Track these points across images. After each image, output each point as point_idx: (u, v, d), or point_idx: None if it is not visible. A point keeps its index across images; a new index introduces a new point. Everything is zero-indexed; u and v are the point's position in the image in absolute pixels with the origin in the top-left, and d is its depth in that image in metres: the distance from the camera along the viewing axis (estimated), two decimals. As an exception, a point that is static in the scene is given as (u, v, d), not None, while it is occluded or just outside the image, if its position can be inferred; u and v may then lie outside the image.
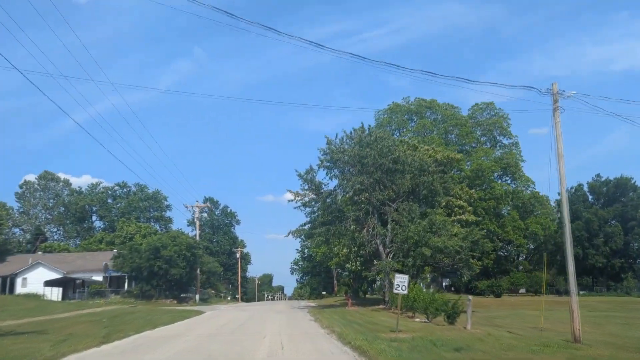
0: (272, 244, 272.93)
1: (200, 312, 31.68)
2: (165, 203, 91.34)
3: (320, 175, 36.45)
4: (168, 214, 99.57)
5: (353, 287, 55.29)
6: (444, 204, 38.69)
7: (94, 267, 55.26)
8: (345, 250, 42.18)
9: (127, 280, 52.45)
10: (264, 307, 41.75)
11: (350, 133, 35.12)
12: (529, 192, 73.29)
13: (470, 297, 17.92)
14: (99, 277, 54.06)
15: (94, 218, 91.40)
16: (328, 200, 35.30)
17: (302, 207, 36.57)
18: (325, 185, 36.16)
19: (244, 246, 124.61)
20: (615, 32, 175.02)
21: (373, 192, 32.37)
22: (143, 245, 47.46)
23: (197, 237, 52.40)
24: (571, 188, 71.91)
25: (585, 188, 71.23)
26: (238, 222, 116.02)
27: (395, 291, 16.77)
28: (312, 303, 47.18)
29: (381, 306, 34.11)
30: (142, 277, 46.80)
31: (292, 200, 36.35)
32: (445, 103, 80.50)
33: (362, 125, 34.63)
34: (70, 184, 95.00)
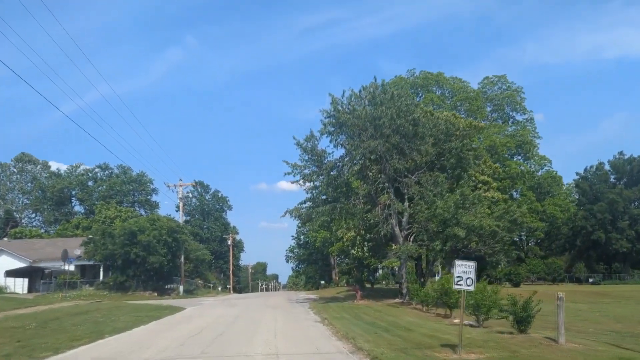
0: (266, 233, 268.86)
1: (177, 309, 25.74)
2: (151, 186, 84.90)
3: (324, 144, 30.45)
4: (154, 198, 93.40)
5: (356, 276, 49.60)
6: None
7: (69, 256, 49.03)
8: (351, 233, 36.29)
9: (102, 270, 46.30)
10: (257, 300, 35.94)
11: (360, 92, 28.88)
12: (544, 171, 67.68)
13: (561, 293, 12.08)
14: (71, 267, 47.87)
15: (74, 203, 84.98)
16: (333, 172, 29.23)
17: (301, 183, 30.49)
18: (329, 155, 30.07)
19: (236, 233, 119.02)
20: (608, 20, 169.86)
21: (389, 160, 26.33)
22: (117, 229, 41.25)
23: (181, 220, 46.51)
24: (591, 167, 66.29)
25: (607, 167, 65.53)
26: (230, 208, 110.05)
27: (456, 287, 10.81)
28: (311, 295, 41.44)
29: (398, 300, 28.32)
30: (117, 266, 40.70)
31: (289, 174, 30.28)
32: (453, 77, 74.17)
33: (375, 80, 28.39)
34: (49, 167, 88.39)
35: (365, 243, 36.66)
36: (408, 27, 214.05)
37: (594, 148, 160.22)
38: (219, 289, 70.51)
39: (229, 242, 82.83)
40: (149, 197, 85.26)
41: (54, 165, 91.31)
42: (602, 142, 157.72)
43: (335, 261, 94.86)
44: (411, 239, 27.15)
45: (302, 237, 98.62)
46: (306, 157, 30.38)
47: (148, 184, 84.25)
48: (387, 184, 27.40)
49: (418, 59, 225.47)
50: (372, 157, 27.59)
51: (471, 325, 16.21)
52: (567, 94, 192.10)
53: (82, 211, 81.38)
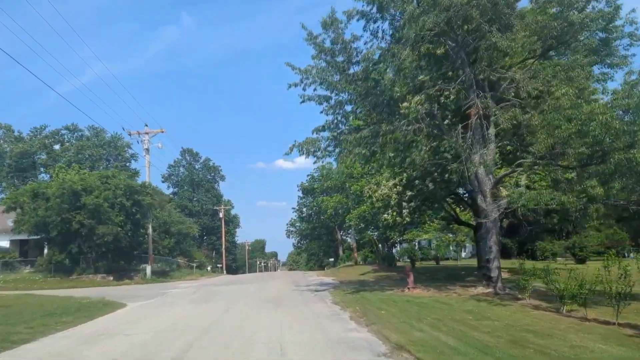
0: (265, 211, 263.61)
1: (101, 309, 14.45)
2: (130, 151, 72.93)
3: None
4: (134, 165, 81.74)
5: (384, 253, 38.32)
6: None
7: (1, 229, 37.61)
8: (386, 188, 24.79)
9: (46, 246, 34.83)
10: (250, 287, 24.69)
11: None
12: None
13: None
14: (4, 242, 36.53)
15: (40, 170, 73.14)
16: (373, 76, 17.36)
17: (313, 99, 18.63)
18: (357, 52, 18.11)
19: (230, 207, 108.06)
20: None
21: (483, 38, 14.42)
22: (53, 188, 29.60)
23: (147, 179, 35.04)
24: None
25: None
26: (222, 178, 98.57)
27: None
28: (326, 277, 30.08)
29: (482, 289, 16.89)
30: (54, 240, 29.28)
31: (295, 86, 18.36)
32: None
33: None
34: (12, 130, 76.23)
35: (405, 203, 25.20)
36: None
37: None
38: (208, 268, 59.39)
39: (221, 214, 71.41)
40: (126, 163, 73.33)
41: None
42: None
43: (341, 236, 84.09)
44: (517, 183, 15.63)
45: (304, 209, 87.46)
46: (324, 61, 18.54)
47: (126, 148, 72.30)
48: (470, 82, 15.44)
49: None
50: (451, 39, 15.68)
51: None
52: None
53: (47, 179, 69.68)
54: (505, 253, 55.37)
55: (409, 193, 25.11)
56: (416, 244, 47.83)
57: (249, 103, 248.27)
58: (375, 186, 26.29)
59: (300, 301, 16.54)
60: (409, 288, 18.31)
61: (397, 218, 25.37)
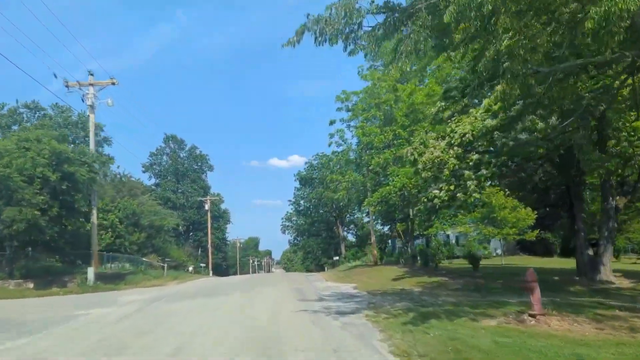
0: (259, 210, 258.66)
1: None
2: (102, 134, 63.11)
3: None
4: (107, 150, 72.01)
5: (418, 251, 28.85)
6: None
7: None
8: (440, 148, 15.70)
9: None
10: (231, 300, 15.51)
11: None
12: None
13: None
14: None
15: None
16: None
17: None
18: None
19: (220, 200, 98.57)
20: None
21: None
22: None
23: (92, 147, 25.51)
24: None
25: None
26: (211, 168, 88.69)
27: None
28: (342, 283, 20.55)
29: None
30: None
31: None
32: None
33: None
34: (-32, 111, 66.27)
35: (470, 172, 16.07)
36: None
37: None
38: (190, 269, 49.91)
39: (206, 206, 61.94)
40: (99, 147, 63.52)
41: None
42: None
43: (343, 232, 74.96)
44: None
45: (302, 201, 78.19)
46: None
47: (98, 130, 62.40)
48: None
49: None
50: None
51: None
52: None
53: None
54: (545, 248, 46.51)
55: (474, 157, 16.14)
56: (444, 238, 38.73)
57: (244, 100, 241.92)
58: (421, 147, 17.11)
59: (323, 348, 7.37)
60: (534, 316, 9.14)
61: (460, 194, 16.16)
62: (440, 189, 17.21)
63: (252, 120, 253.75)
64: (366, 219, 72.35)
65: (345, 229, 76.12)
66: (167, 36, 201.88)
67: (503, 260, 34.26)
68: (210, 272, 58.30)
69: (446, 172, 16.66)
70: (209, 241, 60.60)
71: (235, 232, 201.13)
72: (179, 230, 74.98)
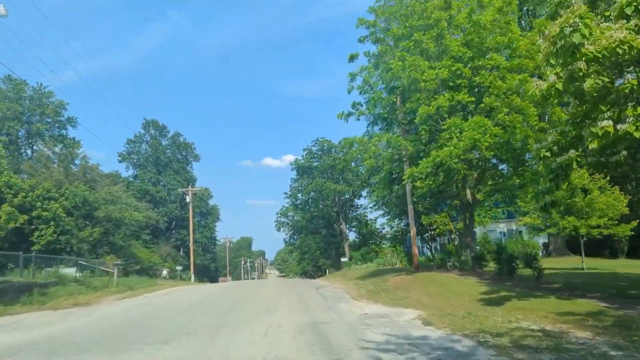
0: (252, 209, 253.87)
1: None
2: (66, 114, 53.56)
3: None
4: (73, 132, 62.99)
5: (472, 251, 19.41)
6: None
7: None
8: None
9: None
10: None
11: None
12: None
13: None
14: None
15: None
16: None
17: None
18: None
19: (209, 195, 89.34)
20: None
21: None
22: None
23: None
24: None
25: None
26: (197, 158, 79.35)
27: None
28: (410, 317, 10.81)
29: None
30: None
31: None
32: None
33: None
34: None
35: None
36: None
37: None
38: (164, 273, 40.53)
39: (188, 198, 52.41)
40: (62, 130, 53.87)
41: None
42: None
43: (347, 229, 65.65)
44: None
45: (299, 195, 68.82)
46: None
47: (59, 109, 52.76)
48: None
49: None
50: None
51: None
52: None
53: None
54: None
55: None
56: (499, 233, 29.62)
57: (238, 100, 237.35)
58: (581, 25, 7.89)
59: None
60: None
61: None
62: (619, 115, 8.20)
63: (247, 120, 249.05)
64: (369, 216, 63.21)
65: (347, 226, 66.72)
66: (161, 35, 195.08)
67: (584, 265, 24.92)
68: (192, 277, 48.93)
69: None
70: (191, 240, 51.11)
71: (228, 233, 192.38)
72: (159, 227, 65.59)
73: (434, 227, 35.94)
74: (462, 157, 15.16)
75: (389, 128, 19.96)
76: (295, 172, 65.83)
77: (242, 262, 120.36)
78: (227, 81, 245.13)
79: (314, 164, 64.01)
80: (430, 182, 16.03)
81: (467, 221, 18.94)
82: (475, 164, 16.45)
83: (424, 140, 17.25)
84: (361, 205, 67.66)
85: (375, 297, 14.05)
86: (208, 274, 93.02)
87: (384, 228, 67.50)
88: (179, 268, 40.68)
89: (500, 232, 39.50)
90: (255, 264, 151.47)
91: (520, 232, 36.03)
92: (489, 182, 17.84)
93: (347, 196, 62.78)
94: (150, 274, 37.38)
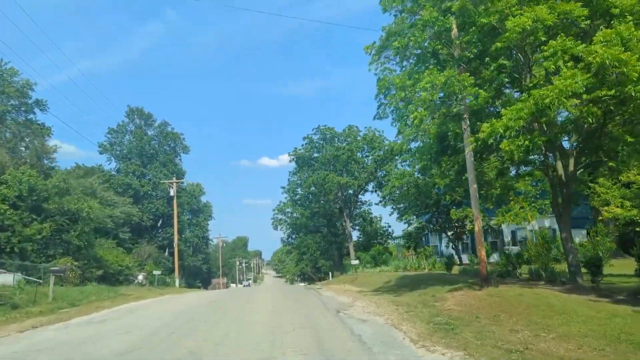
0: (249, 209, 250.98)
1: None
2: (33, 95, 46.72)
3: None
4: (42, 117, 56.21)
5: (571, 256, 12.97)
6: None
7: None
8: None
9: None
10: None
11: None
12: None
13: None
14: None
15: None
16: None
17: None
18: None
19: (201, 192, 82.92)
20: None
21: None
22: None
23: None
24: None
25: None
26: (186, 150, 72.28)
27: None
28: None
29: None
30: None
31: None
32: None
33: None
34: None
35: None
36: None
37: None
38: (139, 278, 34.02)
39: (172, 191, 45.82)
40: (28, 115, 47.02)
41: None
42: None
43: (351, 227, 59.13)
44: None
45: (299, 189, 62.19)
46: None
47: (25, 89, 45.91)
48: None
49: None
50: None
51: None
52: None
53: None
54: None
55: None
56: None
57: (234, 100, 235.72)
58: None
59: None
60: None
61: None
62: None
63: (244, 119, 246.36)
64: (374, 213, 56.56)
65: (351, 224, 60.12)
66: (157, 34, 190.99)
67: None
68: (177, 282, 42.43)
69: None
70: (175, 238, 44.55)
71: (226, 233, 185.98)
72: (143, 225, 58.88)
73: (464, 222, 29.65)
74: (587, 96, 8.82)
75: (440, 70, 13.30)
76: (295, 164, 59.27)
77: (237, 263, 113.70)
78: (227, 81, 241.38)
79: (315, 155, 57.49)
80: (527, 142, 9.58)
81: (561, 210, 12.52)
82: (606, 111, 9.86)
83: (498, 83, 10.83)
84: (366, 201, 61.35)
85: (456, 341, 7.35)
86: (200, 276, 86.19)
87: (389, 226, 61.41)
88: (156, 272, 34.09)
89: (531, 230, 32.75)
90: (251, 265, 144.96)
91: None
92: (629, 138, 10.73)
93: (351, 191, 56.30)
94: (121, 280, 30.87)
